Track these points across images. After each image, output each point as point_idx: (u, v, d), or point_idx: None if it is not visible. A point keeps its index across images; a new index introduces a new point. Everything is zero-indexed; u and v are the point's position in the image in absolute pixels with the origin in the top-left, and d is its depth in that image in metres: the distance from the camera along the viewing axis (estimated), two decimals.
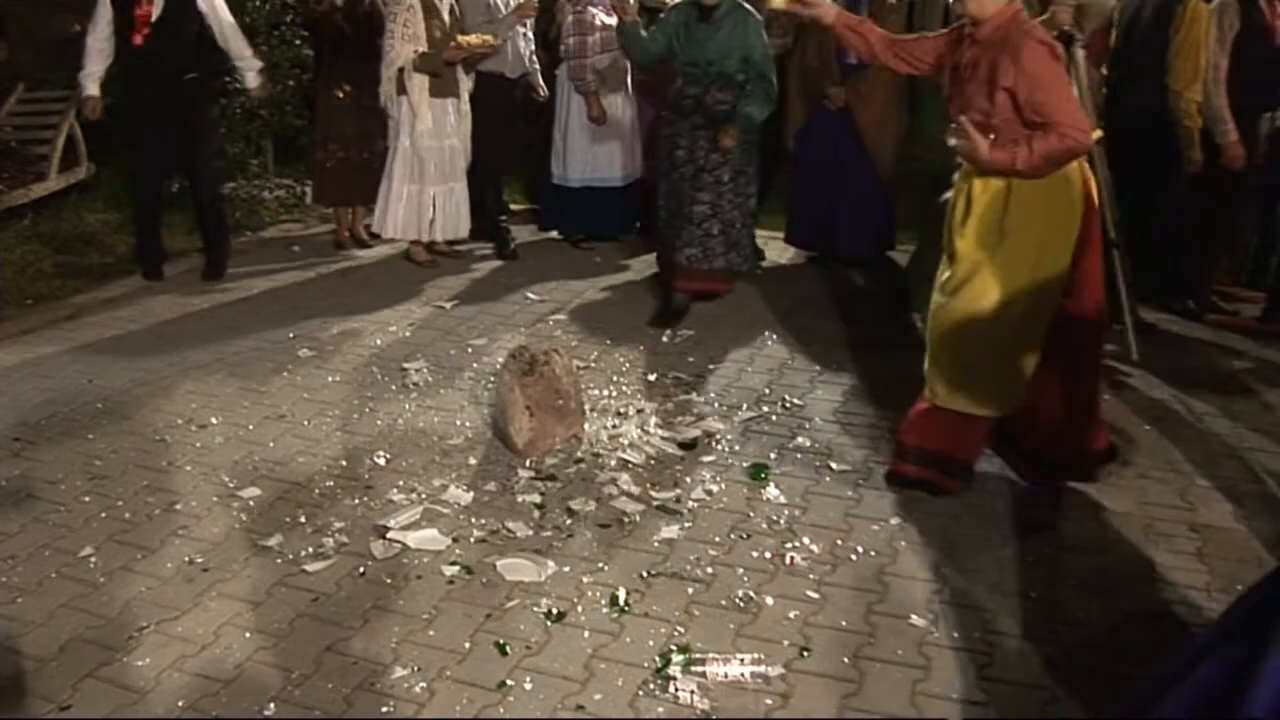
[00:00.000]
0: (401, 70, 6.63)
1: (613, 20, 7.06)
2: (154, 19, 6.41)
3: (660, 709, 3.04)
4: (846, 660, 3.26)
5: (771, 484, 4.30)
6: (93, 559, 3.73)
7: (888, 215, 7.30)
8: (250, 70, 6.87)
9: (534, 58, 7.34)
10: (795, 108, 6.99)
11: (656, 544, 3.86)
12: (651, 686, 3.13)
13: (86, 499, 4.13)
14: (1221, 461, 4.63)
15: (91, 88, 6.56)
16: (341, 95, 7.11)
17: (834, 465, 4.47)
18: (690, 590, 3.59)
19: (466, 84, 6.99)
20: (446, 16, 6.74)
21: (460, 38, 6.65)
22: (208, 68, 6.84)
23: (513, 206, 8.06)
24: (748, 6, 5.98)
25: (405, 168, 6.87)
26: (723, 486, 4.28)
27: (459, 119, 6.96)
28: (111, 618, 3.42)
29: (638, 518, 4.02)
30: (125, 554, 3.76)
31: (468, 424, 4.81)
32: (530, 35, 7.29)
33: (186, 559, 3.74)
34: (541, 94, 7.40)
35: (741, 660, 3.22)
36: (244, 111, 8.35)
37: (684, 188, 6.13)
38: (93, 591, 3.55)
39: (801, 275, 7.14)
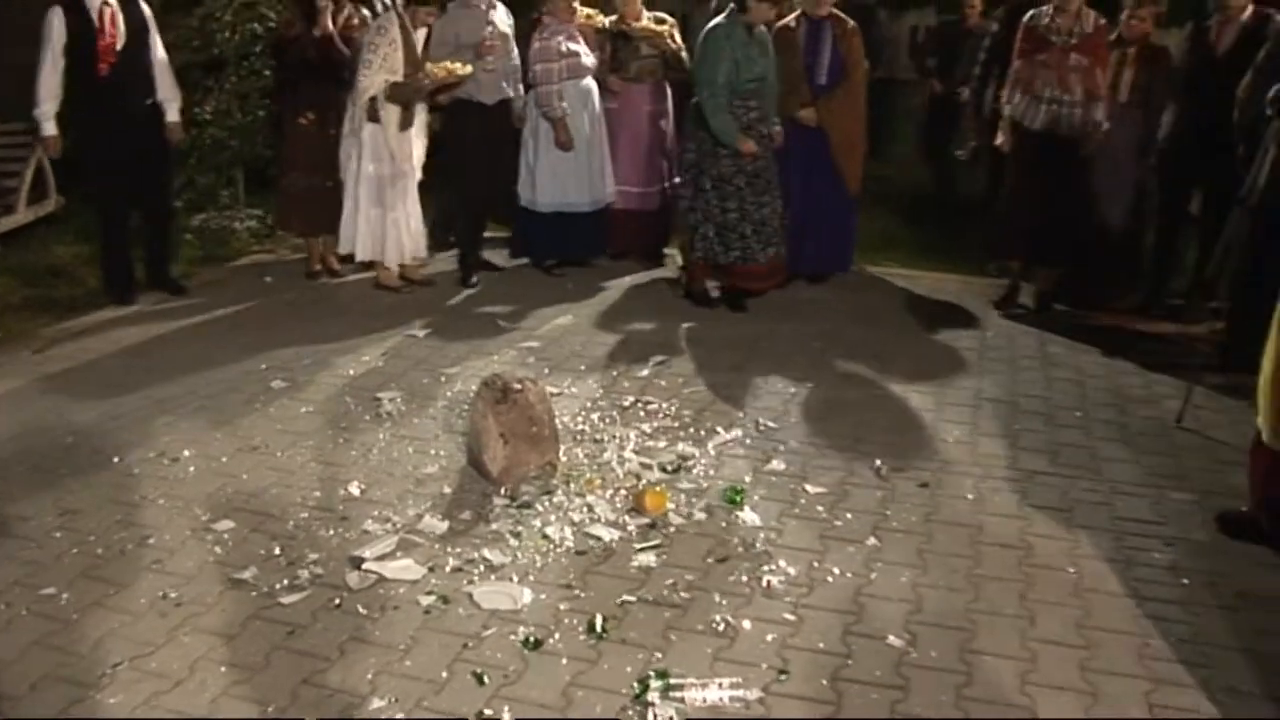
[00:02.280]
0: (373, 99, 6.66)
1: (578, 47, 7.14)
2: (119, 48, 6.48)
3: None
4: (825, 682, 3.26)
5: (747, 507, 4.30)
6: (64, 595, 3.69)
7: (852, 232, 7.53)
8: (173, 105, 6.98)
9: (518, 85, 7.36)
10: None
11: (633, 570, 3.86)
12: (630, 713, 3.12)
13: (57, 534, 4.09)
14: (1194, 475, 4.67)
15: (50, 126, 6.58)
16: (305, 123, 7.13)
17: (809, 488, 4.48)
18: (667, 615, 3.59)
19: (423, 114, 7.08)
20: (420, 49, 6.79)
21: (430, 66, 6.69)
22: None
23: (485, 234, 8.04)
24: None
25: (371, 192, 6.92)
26: (698, 511, 4.28)
27: (415, 147, 7.07)
28: (84, 655, 3.38)
29: (614, 544, 4.02)
30: (97, 590, 3.73)
31: (442, 453, 4.80)
32: (515, 63, 7.30)
33: (160, 594, 3.70)
34: (517, 122, 7.43)
35: (720, 684, 3.21)
36: (214, 142, 8.34)
37: (763, 193, 6.71)
38: (64, 628, 3.52)
39: (771, 296, 7.15)
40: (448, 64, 6.75)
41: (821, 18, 7.05)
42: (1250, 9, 6.42)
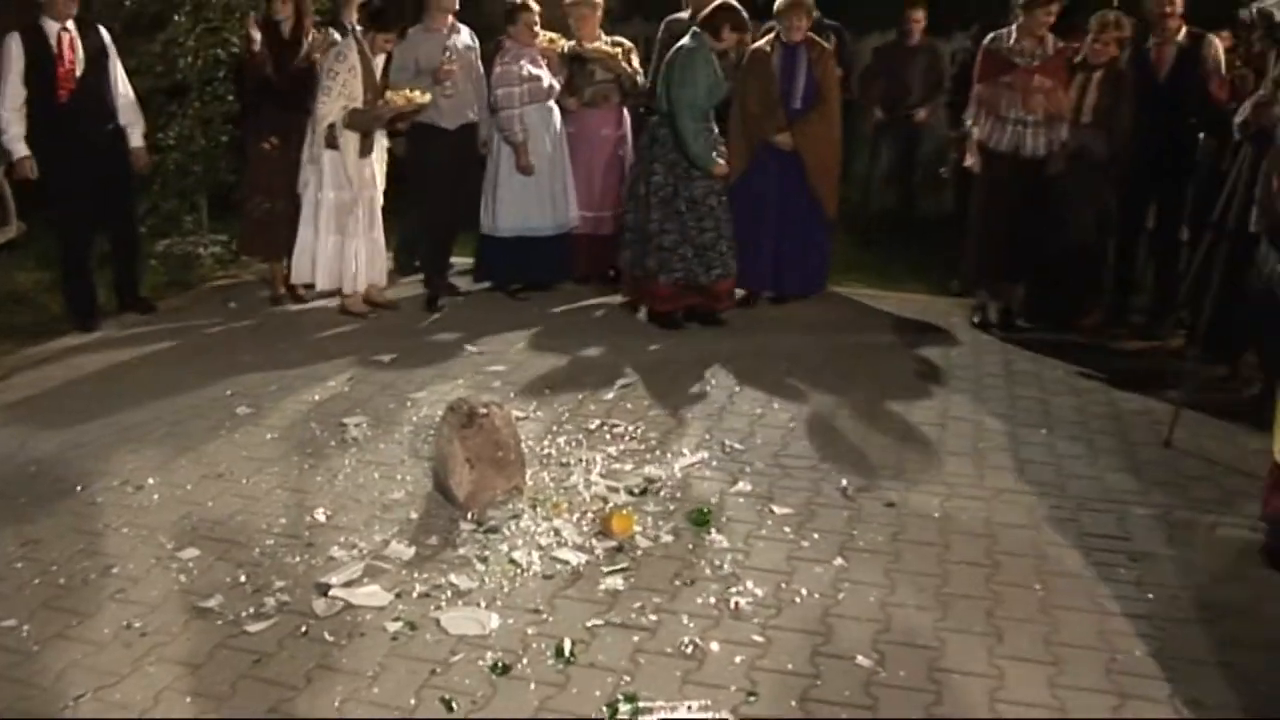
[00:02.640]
0: (332, 126, 6.68)
1: (540, 71, 7.15)
2: (78, 74, 6.52)
3: None
4: (794, 703, 3.26)
5: (714, 529, 4.30)
6: (25, 627, 3.65)
7: (827, 254, 7.63)
8: (137, 130, 6.99)
9: (483, 109, 7.36)
10: (739, 148, 7.17)
11: (601, 593, 3.85)
12: None
13: (19, 565, 4.04)
14: (1157, 490, 4.71)
15: (21, 148, 6.56)
16: (269, 147, 7.13)
17: (775, 509, 4.49)
18: (636, 638, 3.58)
19: (383, 140, 7.10)
20: (379, 75, 6.80)
21: (389, 94, 6.70)
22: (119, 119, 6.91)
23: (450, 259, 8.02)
24: None
25: (330, 219, 6.92)
26: (665, 533, 4.27)
27: (375, 172, 7.07)
28: (46, 687, 3.34)
29: (581, 567, 4.01)
30: (60, 620, 3.69)
31: (408, 478, 4.78)
32: (480, 87, 7.32)
33: (124, 623, 3.67)
34: (483, 148, 7.43)
35: (689, 707, 3.21)
36: (177, 168, 8.30)
37: (728, 208, 6.91)
38: (25, 660, 3.48)
39: (736, 318, 7.17)
40: (407, 92, 6.76)
41: (796, 43, 7.12)
42: (1184, 30, 6.59)
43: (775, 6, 7.12)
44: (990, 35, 6.87)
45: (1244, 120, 5.43)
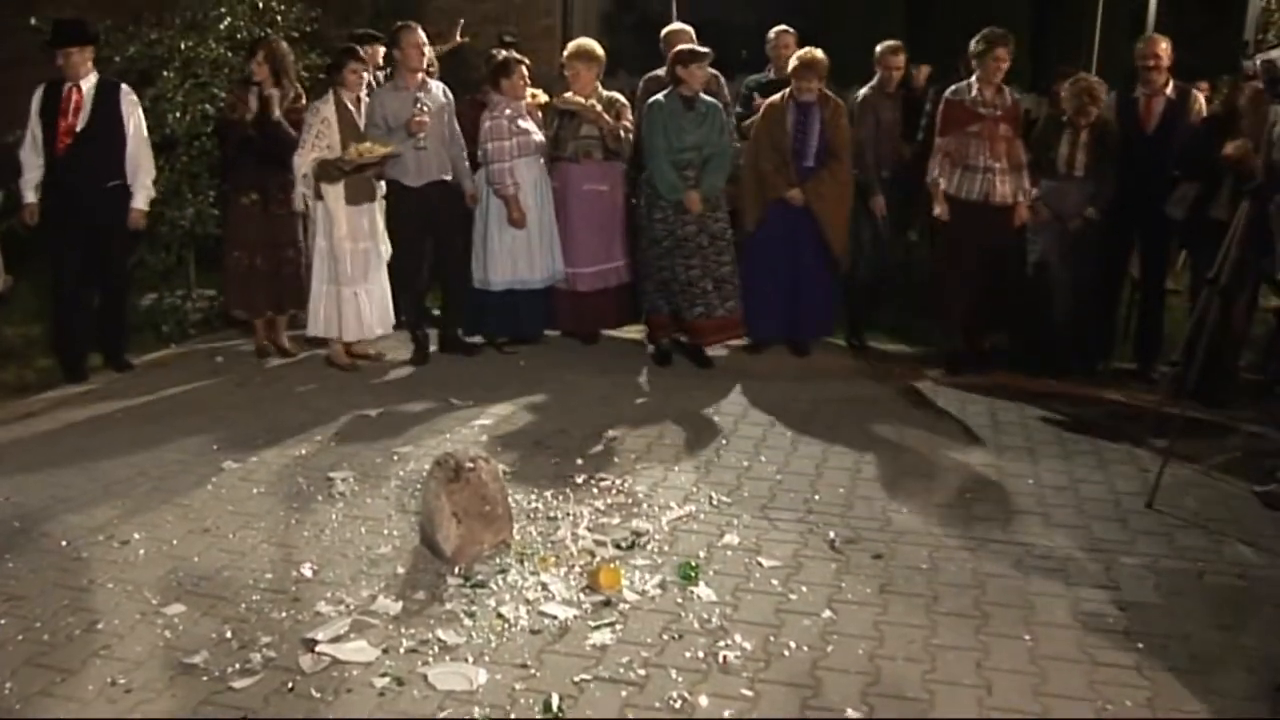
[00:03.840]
0: (305, 177, 6.84)
1: (528, 124, 7.21)
2: (77, 130, 6.69)
3: None
4: None
5: (702, 582, 4.29)
6: (8, 685, 3.61)
7: (832, 295, 7.74)
8: (141, 192, 7.04)
9: (462, 164, 7.40)
10: (752, 200, 7.37)
11: (588, 648, 3.83)
12: None
13: (2, 621, 4.00)
14: (1142, 539, 4.72)
15: (29, 194, 6.79)
16: (248, 203, 7.20)
17: (763, 561, 4.48)
18: (624, 693, 3.57)
19: (380, 190, 7.14)
20: (363, 127, 6.88)
21: (356, 146, 6.73)
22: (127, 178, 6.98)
23: (435, 311, 8.02)
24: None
25: (323, 268, 7.01)
26: (653, 587, 4.26)
27: (374, 223, 7.12)
28: None
29: (569, 622, 4.00)
30: (44, 678, 3.65)
31: (395, 533, 4.77)
32: (457, 147, 7.37)
33: (108, 680, 3.64)
34: (471, 202, 7.46)
35: None
36: (164, 222, 8.31)
37: (707, 255, 7.13)
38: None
39: (723, 370, 7.20)
40: (368, 144, 6.78)
41: (810, 102, 7.25)
42: (1171, 83, 6.71)
43: (789, 67, 7.27)
44: (951, 88, 6.99)
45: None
